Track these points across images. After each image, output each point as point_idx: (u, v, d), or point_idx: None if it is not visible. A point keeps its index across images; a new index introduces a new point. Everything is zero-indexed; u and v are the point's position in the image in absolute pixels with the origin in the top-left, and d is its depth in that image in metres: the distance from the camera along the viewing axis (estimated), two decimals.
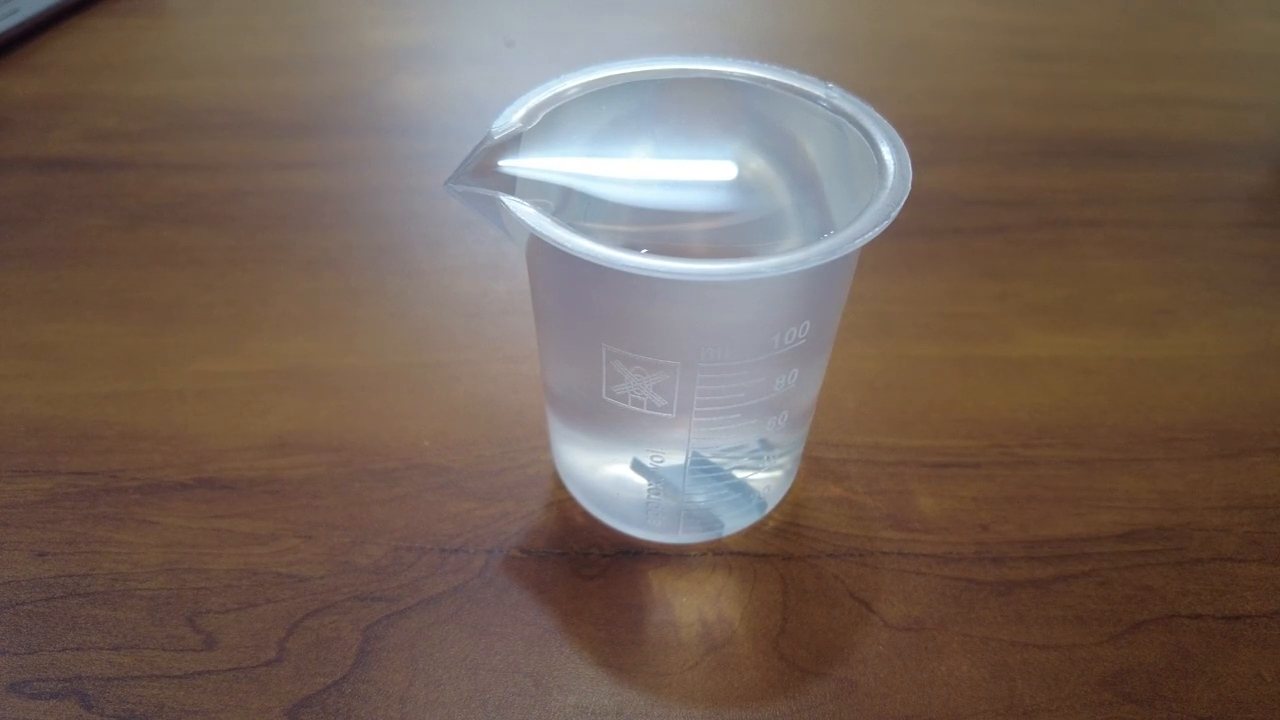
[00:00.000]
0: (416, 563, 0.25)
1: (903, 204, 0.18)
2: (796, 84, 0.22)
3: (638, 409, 0.21)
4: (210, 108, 0.48)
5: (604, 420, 0.22)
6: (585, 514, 0.26)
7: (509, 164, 0.20)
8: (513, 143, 0.20)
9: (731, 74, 0.23)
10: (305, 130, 0.46)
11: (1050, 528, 0.26)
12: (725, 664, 0.23)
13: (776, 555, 0.25)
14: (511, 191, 0.19)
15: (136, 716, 0.21)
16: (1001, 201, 0.41)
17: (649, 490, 0.24)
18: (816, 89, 0.22)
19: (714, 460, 0.23)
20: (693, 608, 0.24)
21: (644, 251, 0.17)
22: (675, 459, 0.22)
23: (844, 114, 0.22)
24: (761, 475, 0.25)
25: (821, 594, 0.24)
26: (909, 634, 0.23)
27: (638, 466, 0.23)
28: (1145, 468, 0.28)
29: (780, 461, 0.25)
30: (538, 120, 0.21)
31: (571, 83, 0.22)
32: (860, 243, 0.18)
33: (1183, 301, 0.35)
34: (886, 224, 0.18)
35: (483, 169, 0.19)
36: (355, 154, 0.44)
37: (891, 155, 0.20)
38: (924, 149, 0.41)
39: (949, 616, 0.24)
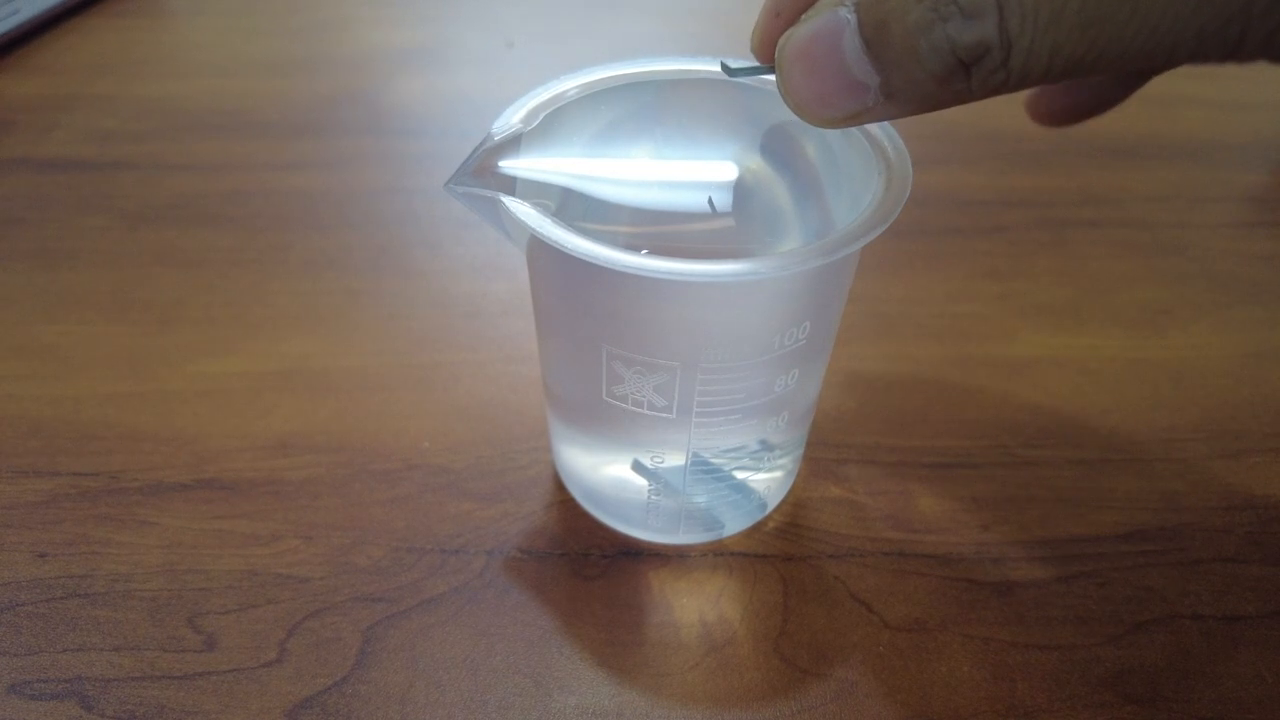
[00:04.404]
0: (417, 563, 0.25)
1: (903, 204, 0.18)
2: None
3: (638, 410, 0.21)
4: (210, 108, 0.48)
5: (604, 421, 0.22)
6: (586, 515, 0.26)
7: (509, 165, 0.20)
8: (513, 144, 0.20)
9: None
10: (305, 130, 0.46)
11: (1050, 528, 0.26)
12: (726, 665, 0.23)
13: (777, 556, 0.25)
14: (512, 192, 0.19)
15: (137, 717, 0.21)
16: (1001, 201, 0.41)
17: (649, 491, 0.24)
18: None
19: (714, 461, 0.23)
20: (693, 608, 0.24)
21: (644, 252, 0.17)
22: (675, 460, 0.22)
23: None
24: (762, 476, 0.25)
25: (822, 595, 0.24)
26: (909, 634, 0.23)
27: (638, 467, 0.23)
28: (1145, 468, 0.28)
29: (780, 462, 0.25)
30: (538, 121, 0.21)
31: (571, 84, 0.22)
32: (860, 243, 0.18)
33: (1183, 301, 0.35)
34: (887, 224, 0.18)
35: (483, 170, 0.19)
36: (355, 154, 0.44)
37: (892, 155, 0.20)
38: (924, 149, 0.41)
39: (949, 617, 0.24)
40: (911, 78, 0.14)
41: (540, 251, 0.20)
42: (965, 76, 0.14)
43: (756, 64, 0.19)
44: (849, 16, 0.14)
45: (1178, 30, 0.12)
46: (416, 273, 0.36)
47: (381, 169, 0.43)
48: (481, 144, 0.20)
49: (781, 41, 0.15)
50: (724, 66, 0.19)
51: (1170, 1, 0.12)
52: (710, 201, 0.21)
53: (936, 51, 0.13)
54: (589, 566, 0.25)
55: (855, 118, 0.15)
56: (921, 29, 0.13)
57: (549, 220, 0.18)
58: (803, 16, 0.15)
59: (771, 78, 0.16)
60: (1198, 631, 0.24)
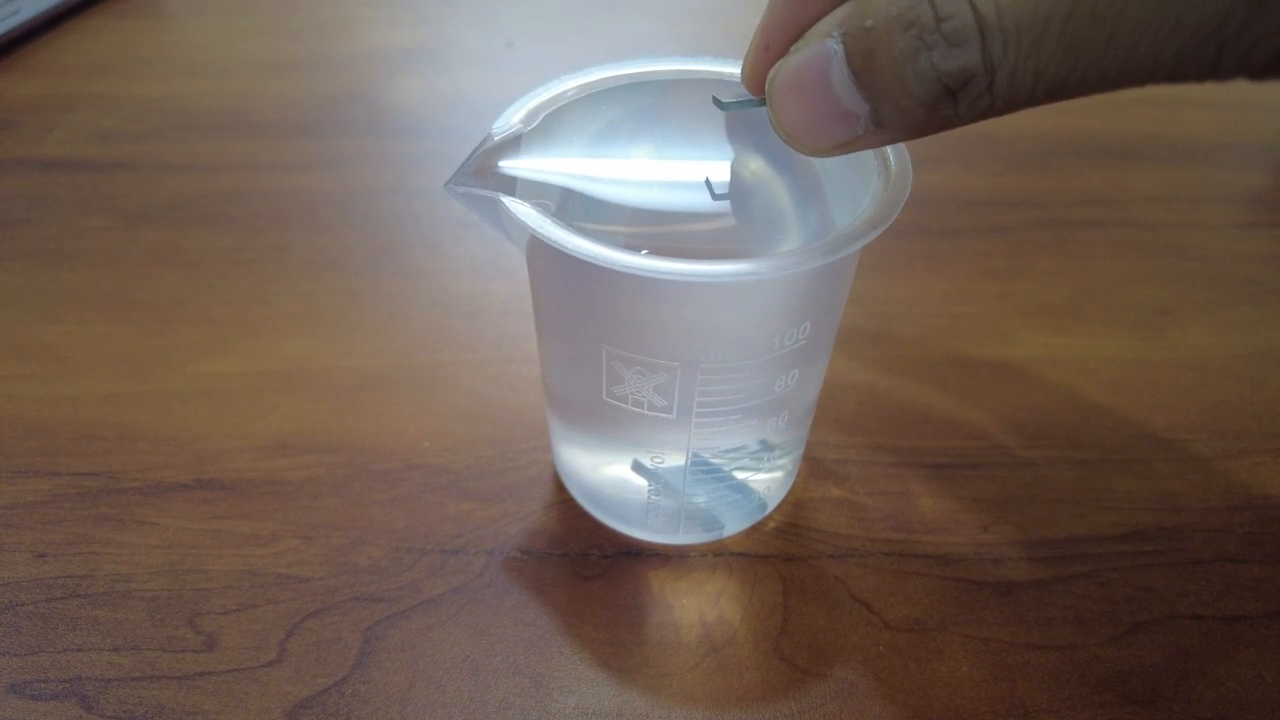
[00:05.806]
0: (417, 564, 0.25)
1: (903, 204, 0.18)
2: None
3: (638, 410, 0.21)
4: (210, 108, 0.48)
5: (604, 421, 0.22)
6: (586, 515, 0.26)
7: (509, 165, 0.20)
8: (513, 144, 0.20)
9: (731, 74, 0.23)
10: (305, 131, 0.46)
11: (1050, 528, 0.26)
12: (726, 665, 0.23)
13: (777, 556, 0.25)
14: (512, 193, 0.19)
15: (137, 717, 0.21)
16: (1001, 201, 0.41)
17: (649, 491, 0.24)
18: None
19: (714, 461, 0.23)
20: (693, 609, 0.24)
21: (644, 252, 0.17)
22: (675, 460, 0.22)
23: None
24: (762, 476, 0.25)
25: (822, 595, 0.24)
26: (909, 635, 0.23)
27: (638, 467, 0.23)
28: (1145, 468, 0.28)
29: (780, 462, 0.25)
30: (538, 121, 0.21)
31: (571, 84, 0.22)
32: (860, 243, 0.18)
33: (1183, 301, 0.35)
34: (887, 224, 0.18)
35: (483, 170, 0.19)
36: (355, 155, 0.44)
37: (892, 155, 0.20)
38: (924, 149, 0.41)
39: (949, 617, 0.24)
40: (900, 105, 0.14)
41: (540, 251, 0.20)
42: (952, 102, 0.14)
43: (748, 97, 0.19)
44: (836, 47, 0.14)
45: (1155, 51, 0.12)
46: (416, 273, 0.36)
47: (381, 169, 0.43)
48: (481, 144, 0.20)
49: (772, 74, 0.16)
50: (716, 101, 0.19)
51: (1147, 24, 0.12)
52: (707, 182, 0.21)
53: (923, 79, 0.14)
54: (589, 566, 0.25)
55: (846, 146, 0.15)
56: (907, 57, 0.13)
57: (549, 220, 0.18)
58: (792, 48, 0.15)
59: (763, 110, 0.16)
60: (1198, 631, 0.24)
